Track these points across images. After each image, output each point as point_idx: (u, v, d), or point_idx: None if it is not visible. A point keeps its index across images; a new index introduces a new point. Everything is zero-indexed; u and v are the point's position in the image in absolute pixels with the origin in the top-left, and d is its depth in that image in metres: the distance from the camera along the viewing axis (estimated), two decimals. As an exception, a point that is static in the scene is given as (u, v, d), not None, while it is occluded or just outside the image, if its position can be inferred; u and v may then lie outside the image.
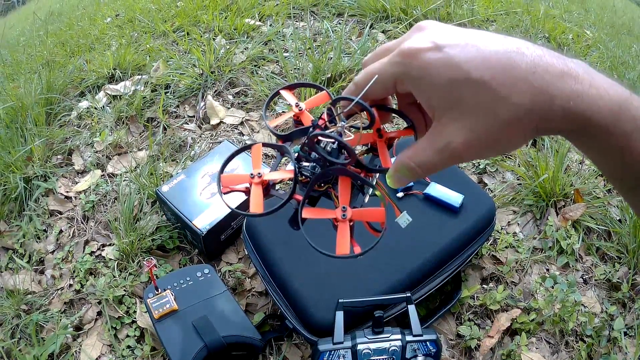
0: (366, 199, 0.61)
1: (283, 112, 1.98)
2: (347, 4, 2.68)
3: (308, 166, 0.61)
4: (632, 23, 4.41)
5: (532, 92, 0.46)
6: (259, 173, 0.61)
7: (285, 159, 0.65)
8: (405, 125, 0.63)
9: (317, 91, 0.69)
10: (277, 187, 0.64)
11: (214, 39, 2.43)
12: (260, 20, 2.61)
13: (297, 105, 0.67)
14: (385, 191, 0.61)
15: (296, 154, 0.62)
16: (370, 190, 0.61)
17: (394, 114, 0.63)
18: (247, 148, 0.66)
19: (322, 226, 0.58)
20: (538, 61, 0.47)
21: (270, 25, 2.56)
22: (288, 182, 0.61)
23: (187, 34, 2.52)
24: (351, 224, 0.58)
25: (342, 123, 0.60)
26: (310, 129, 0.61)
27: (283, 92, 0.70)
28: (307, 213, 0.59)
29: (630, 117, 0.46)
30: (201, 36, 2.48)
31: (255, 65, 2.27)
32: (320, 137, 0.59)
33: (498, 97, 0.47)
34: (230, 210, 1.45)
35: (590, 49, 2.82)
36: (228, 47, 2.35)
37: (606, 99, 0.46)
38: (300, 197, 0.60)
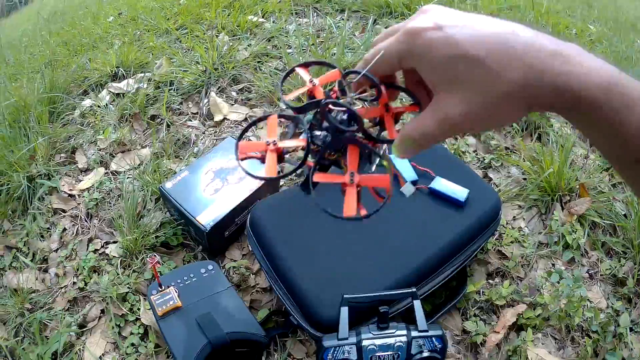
0: (373, 168, 0.65)
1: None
2: (350, 0, 2.67)
3: (320, 135, 0.64)
4: (636, 19, 4.41)
5: (525, 70, 0.50)
6: (274, 141, 0.64)
7: (298, 131, 0.68)
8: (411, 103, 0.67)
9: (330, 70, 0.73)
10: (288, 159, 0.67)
11: (217, 36, 2.43)
12: (263, 17, 2.61)
13: (311, 81, 0.69)
14: (391, 162, 0.64)
15: (309, 124, 0.66)
16: (377, 160, 0.65)
17: (401, 92, 0.68)
18: (263, 119, 0.70)
19: (333, 201, 0.60)
20: (531, 42, 0.51)
21: (273, 22, 2.56)
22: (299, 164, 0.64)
23: (190, 31, 2.52)
24: (359, 189, 0.61)
25: (352, 95, 0.64)
26: (323, 100, 0.64)
27: (298, 69, 0.72)
28: (318, 177, 0.62)
29: (619, 94, 0.49)
30: (204, 33, 2.48)
31: (258, 62, 2.27)
32: (332, 107, 0.63)
33: (493, 74, 0.51)
34: (237, 202, 1.47)
35: (594, 44, 2.81)
36: (231, 43, 2.35)
37: (595, 76, 0.49)
38: (312, 164, 0.64)
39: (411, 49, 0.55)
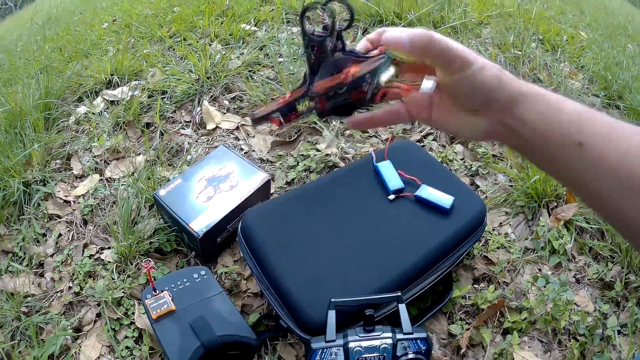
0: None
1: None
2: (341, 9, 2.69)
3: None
4: (627, 23, 4.43)
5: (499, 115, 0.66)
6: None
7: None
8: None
9: None
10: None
11: (210, 45, 2.45)
12: (255, 26, 2.63)
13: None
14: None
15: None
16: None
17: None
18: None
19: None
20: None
21: (265, 31, 2.58)
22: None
23: (184, 39, 2.54)
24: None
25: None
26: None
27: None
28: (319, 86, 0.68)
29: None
30: (197, 42, 2.50)
31: (250, 71, 2.29)
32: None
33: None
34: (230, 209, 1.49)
35: (584, 50, 2.84)
36: (224, 52, 2.37)
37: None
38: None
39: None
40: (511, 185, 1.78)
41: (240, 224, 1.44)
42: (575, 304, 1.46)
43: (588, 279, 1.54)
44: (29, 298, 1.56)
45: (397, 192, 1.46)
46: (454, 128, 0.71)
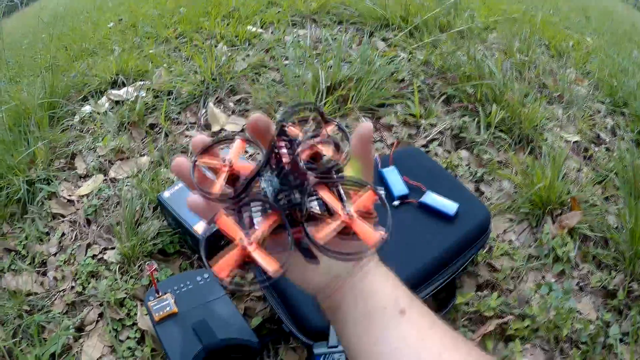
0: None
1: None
2: (347, 12, 2.70)
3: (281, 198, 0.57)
4: (633, 30, 4.44)
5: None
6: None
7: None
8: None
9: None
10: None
11: (215, 46, 2.46)
12: (261, 28, 2.64)
13: (224, 164, 0.61)
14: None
15: (275, 192, 0.58)
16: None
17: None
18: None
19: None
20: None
21: (271, 33, 2.58)
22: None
23: (189, 40, 2.54)
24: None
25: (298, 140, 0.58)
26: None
27: (201, 162, 0.62)
28: (320, 234, 0.54)
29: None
30: (203, 43, 2.51)
31: (256, 73, 2.30)
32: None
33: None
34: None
35: (590, 56, 2.84)
36: (229, 54, 2.38)
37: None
38: (298, 234, 0.56)
39: None
40: (516, 192, 1.78)
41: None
42: (577, 311, 1.46)
43: (591, 287, 1.54)
44: (31, 296, 1.55)
45: (402, 198, 1.46)
46: (298, 271, 0.65)
